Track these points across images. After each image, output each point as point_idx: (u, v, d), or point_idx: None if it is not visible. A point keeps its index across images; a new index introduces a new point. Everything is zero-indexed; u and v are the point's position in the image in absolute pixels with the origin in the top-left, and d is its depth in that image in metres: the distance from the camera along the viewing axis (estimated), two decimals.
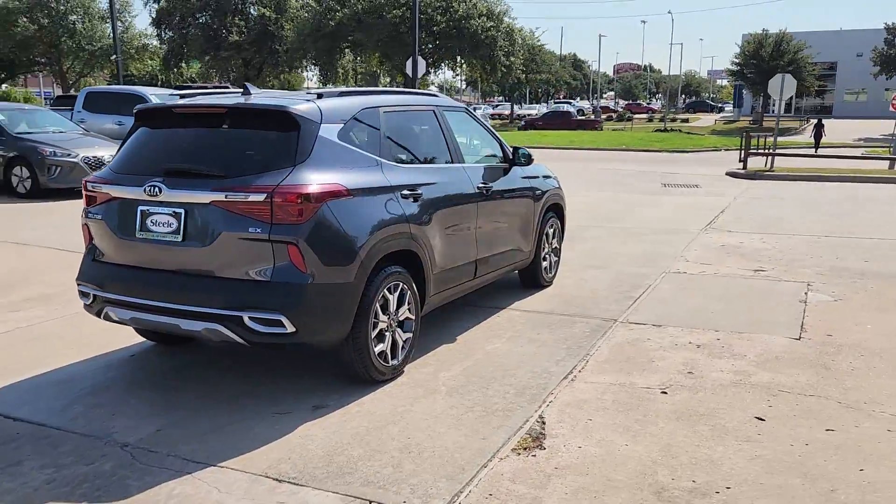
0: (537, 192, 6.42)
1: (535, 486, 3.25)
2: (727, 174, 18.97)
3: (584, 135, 40.70)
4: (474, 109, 41.41)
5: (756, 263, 7.83)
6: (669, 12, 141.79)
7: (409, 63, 21.88)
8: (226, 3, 28.37)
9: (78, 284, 4.46)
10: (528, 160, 6.15)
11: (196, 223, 3.97)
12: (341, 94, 4.62)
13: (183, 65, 31.79)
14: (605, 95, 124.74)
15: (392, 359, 4.49)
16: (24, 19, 31.13)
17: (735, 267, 7.67)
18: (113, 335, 5.14)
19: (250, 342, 3.96)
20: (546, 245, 6.76)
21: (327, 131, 4.19)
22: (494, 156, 6.07)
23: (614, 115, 64.41)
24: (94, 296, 4.35)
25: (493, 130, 6.22)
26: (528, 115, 61.25)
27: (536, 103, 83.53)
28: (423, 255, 4.68)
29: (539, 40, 62.82)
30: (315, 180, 3.95)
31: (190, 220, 3.98)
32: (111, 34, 34.73)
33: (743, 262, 7.94)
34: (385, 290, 4.37)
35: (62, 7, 32.23)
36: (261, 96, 4.51)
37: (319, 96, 4.40)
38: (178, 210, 4.00)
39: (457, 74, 42.62)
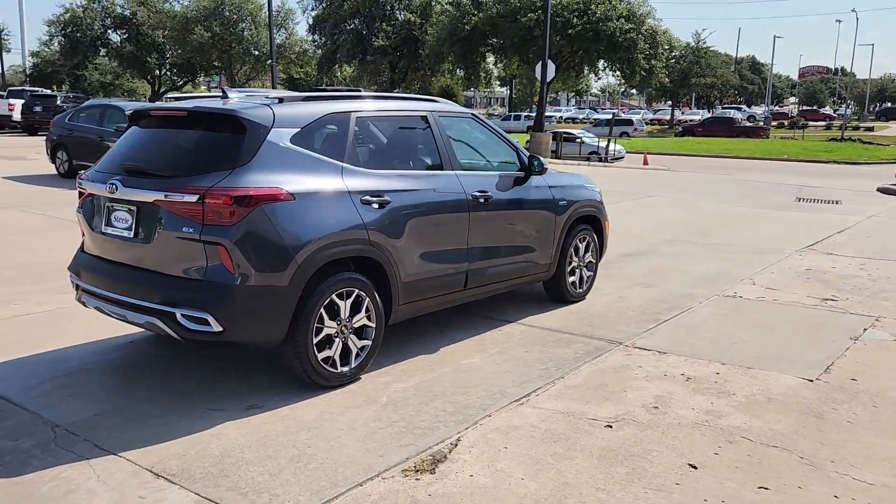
0: (560, 202, 6.11)
1: None
2: (878, 190, 17.12)
3: (743, 143, 38.28)
4: (613, 114, 39.96)
5: (831, 291, 7.00)
6: (854, 10, 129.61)
7: (538, 67, 21.60)
8: (375, 10, 29.48)
9: (69, 275, 4.83)
10: (542, 168, 5.88)
11: (144, 221, 4.16)
12: (306, 98, 4.65)
13: (336, 69, 33.45)
14: (786, 101, 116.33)
15: (342, 366, 4.46)
16: (200, 27, 34.11)
17: (802, 294, 6.90)
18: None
19: (183, 338, 4.09)
20: (574, 259, 6.42)
21: (278, 136, 4.23)
22: (510, 163, 5.86)
23: (786, 122, 60.04)
24: (76, 285, 4.68)
25: (508, 138, 6.00)
26: (689, 120, 58.61)
27: (701, 108, 79.56)
28: (386, 262, 4.61)
29: (705, 42, 59.83)
30: (251, 183, 4.01)
31: (140, 217, 4.18)
32: (275, 42, 37.26)
33: (817, 288, 7.12)
34: (334, 296, 4.34)
35: (233, 16, 34.98)
36: (233, 101, 4.62)
37: (280, 101, 4.46)
38: (131, 207, 4.22)
39: (598, 79, 41.51)
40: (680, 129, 54.25)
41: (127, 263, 4.32)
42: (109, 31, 42.10)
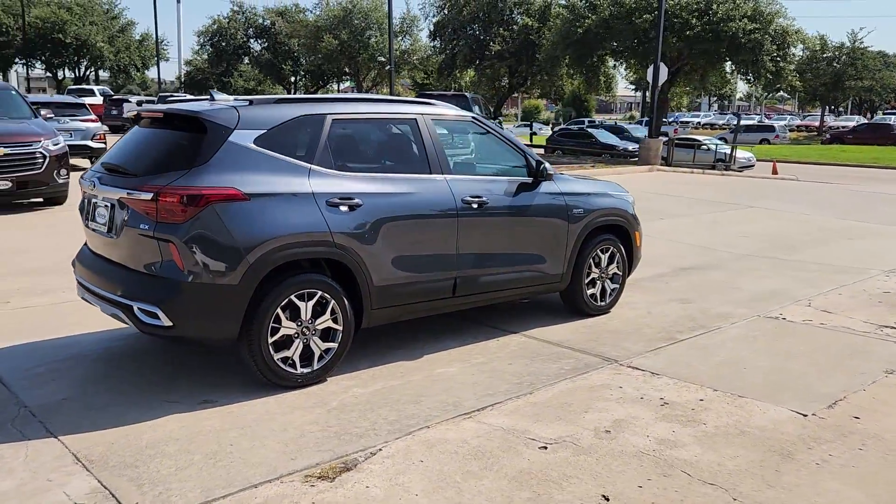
0: (574, 210, 5.84)
1: None
2: None
3: None
4: (737, 119, 37.51)
5: None
6: None
7: (649, 70, 20.77)
8: (494, 15, 29.54)
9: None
10: (547, 174, 5.64)
11: (115, 217, 4.38)
12: (279, 101, 4.72)
13: (457, 74, 33.79)
14: None
15: (303, 367, 4.49)
16: (329, 35, 35.57)
17: (859, 319, 6.21)
18: None
19: (142, 331, 4.27)
20: (594, 270, 6.12)
21: (241, 137, 4.32)
22: (517, 168, 5.66)
23: None
24: (76, 277, 5.01)
25: (517, 142, 5.81)
26: (841, 127, 54.23)
27: (860, 114, 73.44)
28: (355, 266, 4.59)
29: (862, 41, 55.24)
30: (203, 182, 4.11)
31: (112, 213, 4.41)
32: (400, 48, 38.21)
33: (881, 314, 6.38)
34: (293, 297, 4.38)
35: (361, 24, 36.22)
36: (213, 104, 4.75)
37: (250, 103, 4.56)
38: (107, 204, 4.45)
39: (726, 84, 38.92)
40: (828, 136, 50.38)
41: (104, 257, 4.57)
42: (251, 41, 44.92)
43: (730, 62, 26.14)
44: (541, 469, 3.50)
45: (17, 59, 46.50)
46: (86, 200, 4.80)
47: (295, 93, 45.33)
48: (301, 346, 4.47)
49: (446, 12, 31.24)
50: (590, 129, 29.42)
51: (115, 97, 35.39)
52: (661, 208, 12.88)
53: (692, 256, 8.81)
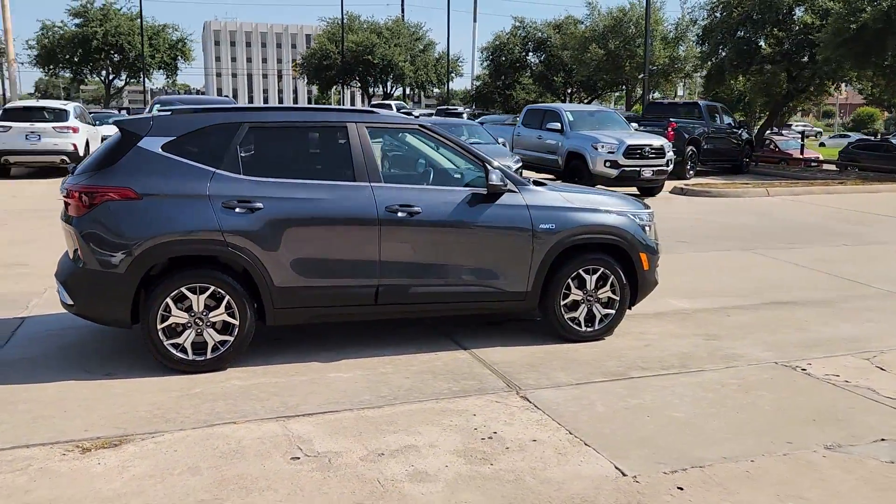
0: (543, 225, 5.40)
1: None
2: None
3: None
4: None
5: None
6: None
7: None
8: (769, 14, 26.77)
9: None
10: (499, 188, 5.27)
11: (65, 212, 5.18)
12: (197, 110, 5.13)
13: (729, 80, 31.26)
14: None
15: (196, 354, 4.86)
16: (595, 45, 35.22)
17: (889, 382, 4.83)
18: None
19: (65, 308, 5.00)
20: (576, 292, 5.58)
21: (150, 143, 4.84)
22: (480, 178, 5.40)
23: None
24: None
25: (477, 153, 5.52)
26: None
27: None
28: (250, 266, 4.84)
29: None
30: (101, 182, 4.71)
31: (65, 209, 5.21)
32: (672, 54, 36.47)
33: None
34: (185, 289, 4.78)
35: (632, 30, 35.28)
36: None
37: (171, 112, 5.06)
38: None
39: None
40: None
41: None
42: (529, 54, 46.28)
43: None
44: (258, 477, 3.47)
45: (337, 80, 53.51)
46: None
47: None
48: (193, 335, 4.84)
49: (717, 15, 29.15)
50: None
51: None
52: None
53: (801, 290, 7.43)
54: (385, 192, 5.14)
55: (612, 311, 5.73)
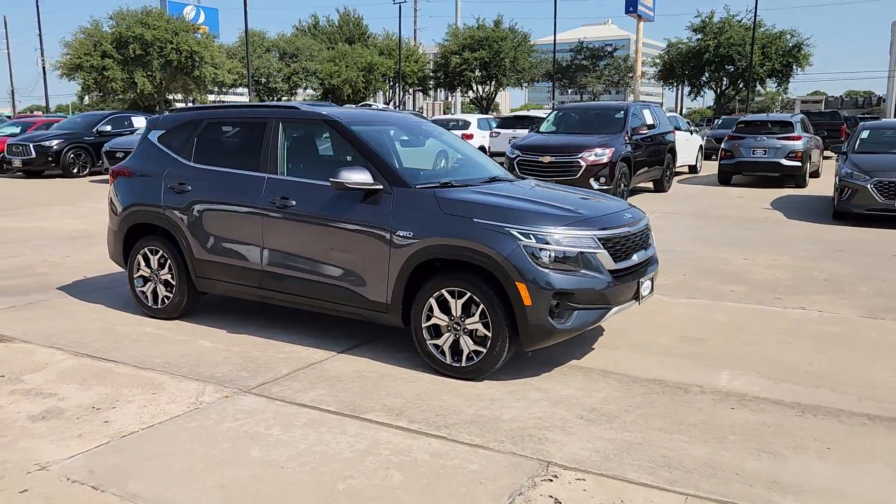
0: (401, 232, 4.75)
1: None
2: None
3: None
4: None
5: None
6: None
7: None
8: None
9: None
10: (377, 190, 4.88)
11: None
12: (189, 108, 6.15)
13: None
14: None
15: (152, 302, 6.08)
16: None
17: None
18: None
19: None
20: (440, 317, 4.68)
21: (153, 135, 6.23)
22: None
23: None
24: None
25: (371, 151, 5.08)
26: None
27: None
28: (177, 236, 5.82)
29: None
30: (118, 165, 6.34)
31: None
32: None
33: None
34: (146, 250, 6.06)
35: None
36: None
37: (173, 111, 6.28)
38: None
39: None
40: None
41: None
42: None
43: None
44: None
45: None
46: None
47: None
48: (153, 286, 6.08)
49: None
50: None
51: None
52: None
53: None
54: (273, 184, 5.37)
55: (485, 350, 4.59)
